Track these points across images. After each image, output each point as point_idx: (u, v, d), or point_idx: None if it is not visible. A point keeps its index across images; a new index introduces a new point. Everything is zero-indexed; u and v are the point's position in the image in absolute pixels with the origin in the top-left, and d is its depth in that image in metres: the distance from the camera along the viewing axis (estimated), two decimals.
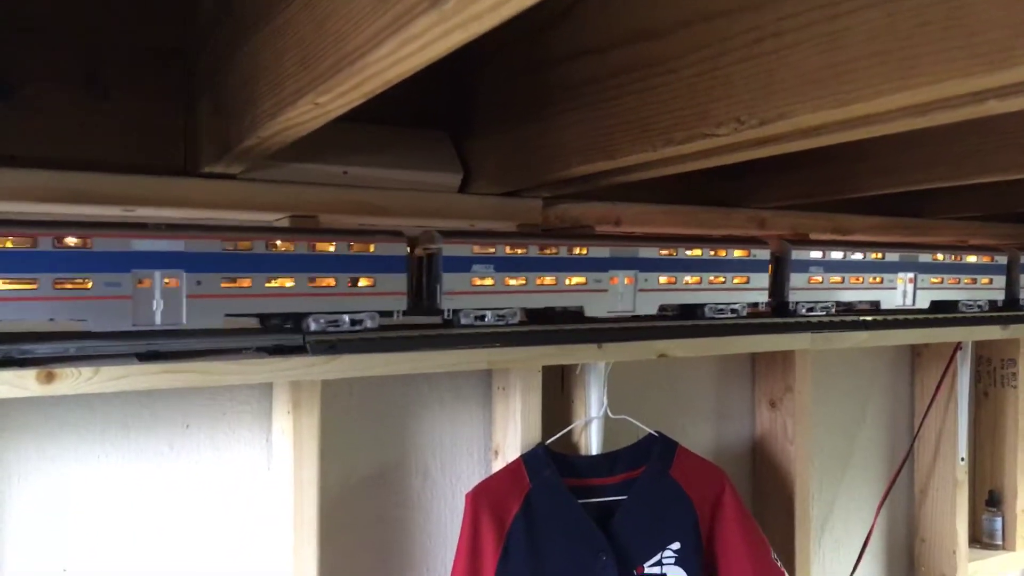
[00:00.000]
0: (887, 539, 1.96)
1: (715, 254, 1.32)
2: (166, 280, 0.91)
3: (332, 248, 1.01)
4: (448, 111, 1.30)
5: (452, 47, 0.52)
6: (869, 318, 1.48)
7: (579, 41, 0.99)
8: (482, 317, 1.12)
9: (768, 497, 1.64)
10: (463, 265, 1.11)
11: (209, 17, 1.01)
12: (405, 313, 1.09)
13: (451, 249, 1.11)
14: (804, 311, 1.43)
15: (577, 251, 1.20)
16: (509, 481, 1.27)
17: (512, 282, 1.15)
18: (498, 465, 1.36)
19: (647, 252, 1.26)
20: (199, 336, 0.92)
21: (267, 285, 0.97)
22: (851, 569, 1.82)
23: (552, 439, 1.34)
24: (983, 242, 1.90)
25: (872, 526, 1.85)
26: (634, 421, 1.37)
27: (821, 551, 1.84)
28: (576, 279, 1.20)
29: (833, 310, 1.46)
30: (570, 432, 1.38)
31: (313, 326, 1.00)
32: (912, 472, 1.98)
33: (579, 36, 0.99)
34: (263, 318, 1.02)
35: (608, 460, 1.35)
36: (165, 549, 1.16)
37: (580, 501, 1.28)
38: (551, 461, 1.29)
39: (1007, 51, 0.54)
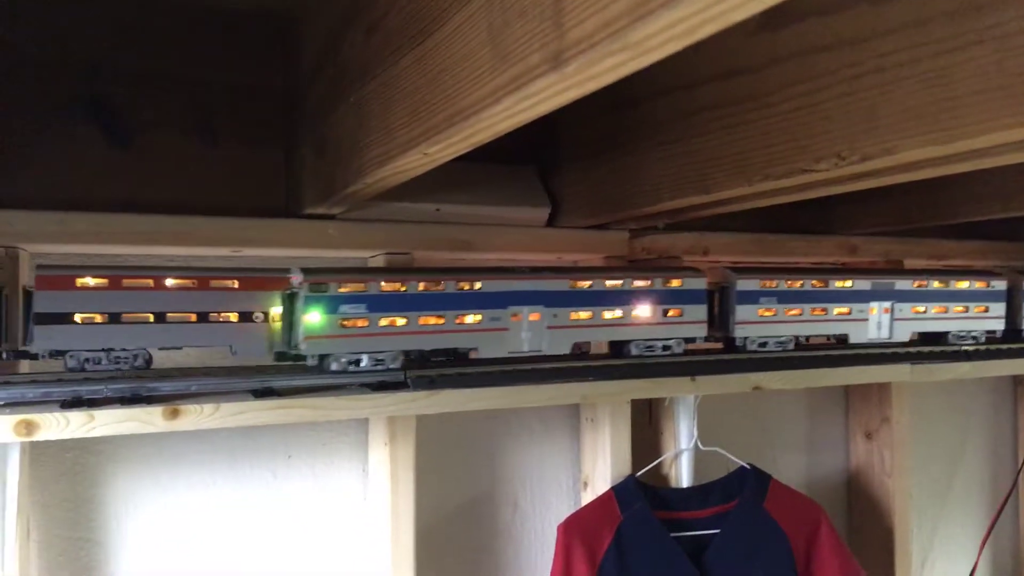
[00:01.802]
0: None
1: (957, 285, 1.42)
2: (531, 315, 1.07)
3: (649, 284, 1.16)
4: (535, 145, 1.32)
5: (566, 102, 0.54)
6: (971, 348, 1.43)
7: (665, 78, 1.00)
8: (764, 344, 1.26)
9: (865, 532, 1.59)
10: (752, 298, 1.25)
11: (312, 64, 1.06)
12: (706, 339, 1.24)
13: (744, 284, 1.24)
14: None
15: (839, 284, 1.31)
16: (600, 513, 1.27)
17: (788, 312, 1.28)
18: (587, 497, 1.36)
19: (902, 284, 1.36)
20: (302, 375, 0.97)
21: (603, 317, 1.13)
22: None
23: (642, 471, 1.33)
24: None
25: (976, 563, 1.77)
26: (726, 453, 1.36)
27: None
28: (840, 309, 1.31)
29: None
30: (660, 464, 1.38)
31: (634, 351, 1.16)
32: (1017, 505, 1.89)
33: (665, 73, 1.00)
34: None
35: (700, 493, 1.34)
36: (268, 573, 1.20)
37: (672, 534, 1.27)
38: (642, 493, 1.28)
39: None
